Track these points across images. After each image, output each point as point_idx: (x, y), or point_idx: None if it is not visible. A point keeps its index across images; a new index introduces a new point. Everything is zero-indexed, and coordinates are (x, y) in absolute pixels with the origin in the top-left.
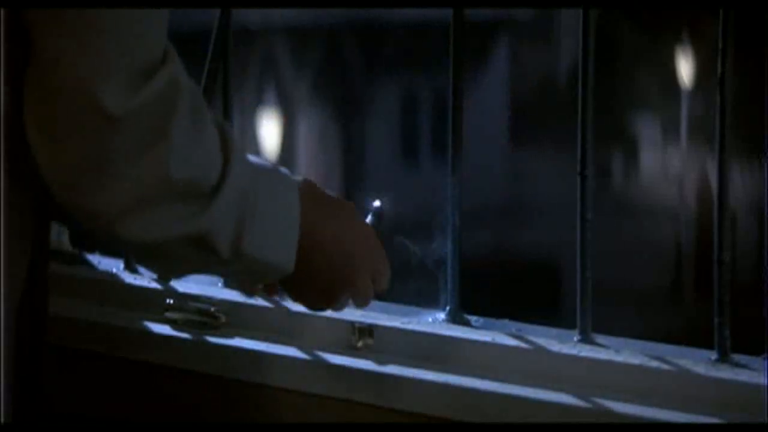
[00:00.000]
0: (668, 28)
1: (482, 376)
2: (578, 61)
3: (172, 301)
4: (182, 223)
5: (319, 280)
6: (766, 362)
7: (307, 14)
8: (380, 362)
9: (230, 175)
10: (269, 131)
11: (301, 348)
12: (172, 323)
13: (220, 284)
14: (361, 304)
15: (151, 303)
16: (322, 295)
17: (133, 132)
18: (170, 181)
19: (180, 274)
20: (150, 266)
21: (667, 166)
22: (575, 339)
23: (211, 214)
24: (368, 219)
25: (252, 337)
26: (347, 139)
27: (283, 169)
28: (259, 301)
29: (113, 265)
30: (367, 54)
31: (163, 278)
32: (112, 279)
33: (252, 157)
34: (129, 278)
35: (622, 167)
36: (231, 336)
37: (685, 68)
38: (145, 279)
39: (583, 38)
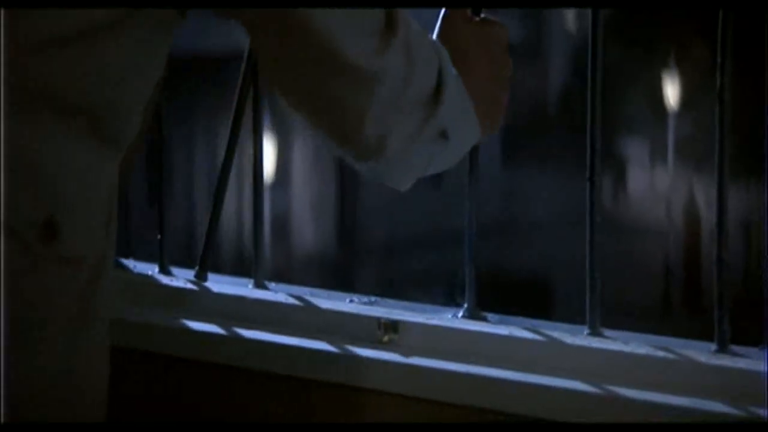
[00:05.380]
0: (656, 49)
1: (500, 367)
2: (574, 70)
3: None
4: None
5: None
6: (766, 352)
7: None
8: (405, 355)
9: (446, 78)
10: (267, 154)
11: (330, 342)
12: None
13: (250, 285)
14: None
15: (187, 302)
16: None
17: (391, 83)
18: (421, 108)
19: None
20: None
21: (655, 184)
22: (585, 333)
23: (440, 111)
24: None
25: (285, 333)
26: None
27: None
28: (290, 300)
29: (148, 269)
30: None
31: (399, 188)
32: (149, 281)
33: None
34: (165, 280)
35: (611, 186)
36: (265, 332)
37: (672, 90)
38: (180, 280)
39: (592, 44)
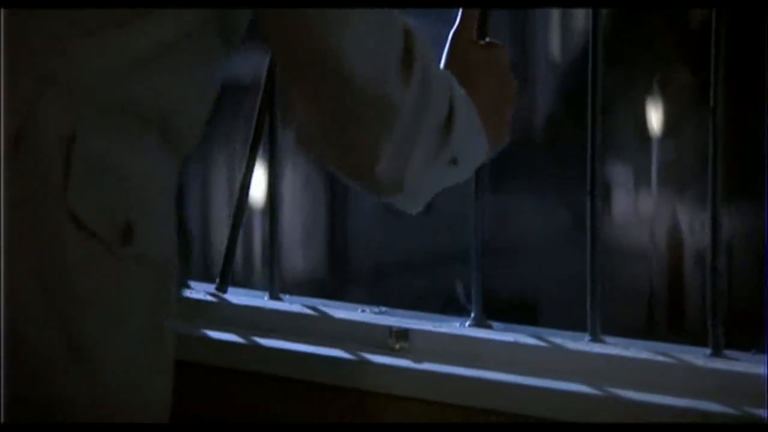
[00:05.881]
0: (640, 75)
1: (507, 371)
2: (561, 96)
3: None
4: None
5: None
6: (766, 356)
7: None
8: (416, 361)
9: (456, 104)
10: (258, 179)
11: (345, 350)
12: None
13: (266, 297)
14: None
15: (207, 313)
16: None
17: (409, 116)
18: (435, 139)
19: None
20: (407, 203)
21: (639, 208)
22: (587, 339)
23: (453, 139)
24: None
25: (301, 341)
26: (332, 186)
27: (450, 78)
28: (305, 310)
29: None
30: None
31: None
32: None
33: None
34: (185, 292)
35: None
36: (283, 340)
37: (655, 115)
38: (200, 293)
39: (593, 45)
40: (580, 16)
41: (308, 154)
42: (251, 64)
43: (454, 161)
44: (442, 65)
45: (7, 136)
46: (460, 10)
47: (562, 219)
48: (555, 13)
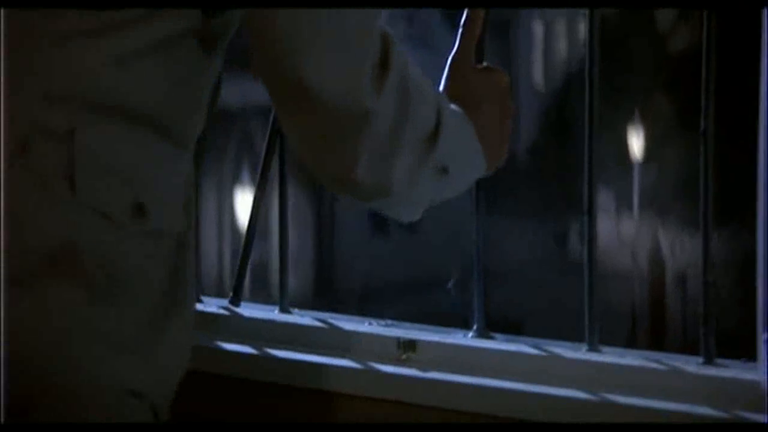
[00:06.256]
0: (623, 103)
1: (509, 379)
2: (545, 121)
3: None
4: (425, 166)
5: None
6: (765, 361)
7: None
8: (423, 370)
9: (444, 116)
10: (245, 205)
11: (354, 360)
12: None
13: (276, 310)
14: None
15: (221, 325)
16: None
17: (386, 120)
18: (420, 144)
19: (420, 209)
20: (399, 213)
21: (622, 232)
22: (585, 349)
23: (440, 147)
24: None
25: (313, 353)
26: (319, 212)
27: (439, 95)
28: (315, 323)
29: None
30: None
31: (407, 220)
32: None
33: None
34: (199, 306)
35: (580, 233)
36: (295, 351)
37: (637, 141)
38: (213, 306)
39: (590, 48)
40: (563, 43)
41: (300, 162)
42: (241, 91)
43: (444, 170)
44: (441, 90)
45: (15, 138)
46: (458, 37)
47: (549, 241)
48: (538, 41)
